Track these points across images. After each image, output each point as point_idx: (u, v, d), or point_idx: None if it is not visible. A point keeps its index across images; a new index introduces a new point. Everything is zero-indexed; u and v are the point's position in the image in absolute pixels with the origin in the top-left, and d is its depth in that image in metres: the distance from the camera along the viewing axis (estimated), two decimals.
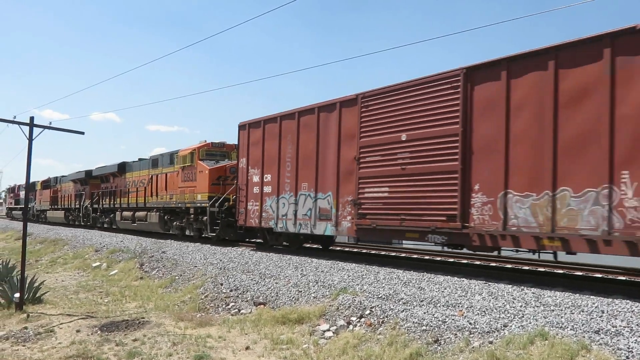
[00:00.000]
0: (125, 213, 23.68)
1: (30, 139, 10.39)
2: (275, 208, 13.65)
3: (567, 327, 5.94)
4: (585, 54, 7.77)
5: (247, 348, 7.15)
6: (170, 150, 20.06)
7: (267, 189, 14.10)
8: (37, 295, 10.48)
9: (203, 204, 16.76)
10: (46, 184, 37.90)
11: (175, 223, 19.19)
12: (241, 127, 15.42)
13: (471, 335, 6.19)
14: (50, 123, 11.04)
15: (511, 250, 9.07)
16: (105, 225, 26.77)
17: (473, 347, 5.94)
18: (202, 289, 10.77)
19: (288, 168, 13.36)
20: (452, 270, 10.04)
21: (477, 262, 11.65)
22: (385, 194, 10.63)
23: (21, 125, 10.49)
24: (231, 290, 10.18)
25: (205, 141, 18.33)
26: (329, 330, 7.49)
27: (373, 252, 15.33)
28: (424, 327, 6.66)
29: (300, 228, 12.81)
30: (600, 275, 10.31)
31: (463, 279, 8.89)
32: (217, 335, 7.72)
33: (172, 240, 18.55)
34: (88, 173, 28.81)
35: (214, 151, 18.11)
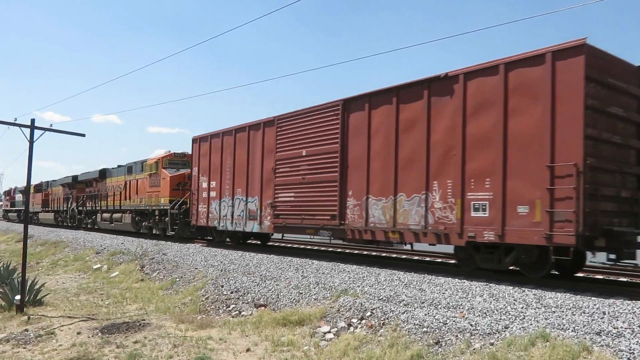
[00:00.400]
0: (105, 215, 26.24)
1: (31, 141, 10.40)
2: (218, 210, 16.33)
3: (569, 329, 5.93)
4: (414, 93, 10.30)
5: (248, 350, 7.14)
6: (142, 159, 22.47)
7: (213, 194, 16.79)
8: (37, 298, 10.48)
9: (165, 207, 19.56)
10: (38, 188, 40.09)
11: (144, 223, 21.91)
12: (194, 140, 18.06)
13: (472, 337, 6.18)
14: (52, 125, 11.04)
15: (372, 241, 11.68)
16: (89, 226, 29.18)
17: (474, 349, 5.93)
18: (202, 290, 10.77)
19: (227, 176, 16.04)
20: (453, 271, 10.03)
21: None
22: (292, 198, 13.26)
23: (22, 128, 10.50)
24: (232, 292, 10.17)
25: (170, 151, 21.04)
26: (329, 332, 7.48)
27: (374, 254, 15.32)
28: (425, 329, 6.65)
29: (236, 226, 15.49)
30: (601, 277, 10.29)
31: (464, 280, 8.88)
32: (218, 337, 7.72)
33: (173, 242, 18.60)
34: (74, 178, 31.34)
35: (176, 160, 20.83)
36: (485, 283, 8.54)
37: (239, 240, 17.34)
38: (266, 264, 12.05)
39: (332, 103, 12.18)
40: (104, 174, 26.98)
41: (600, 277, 10.33)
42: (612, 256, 8.54)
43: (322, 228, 12.21)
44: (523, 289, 7.94)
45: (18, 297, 9.80)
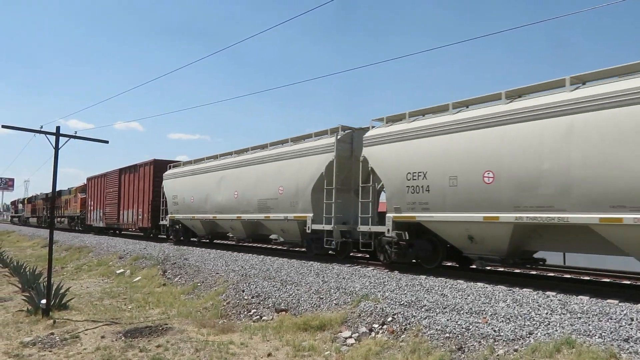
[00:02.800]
0: (60, 219, 42.97)
1: (57, 148, 10.59)
2: (93, 215, 32.79)
3: (595, 335, 5.81)
4: (128, 170, 27.32)
5: (269, 355, 7.15)
6: (73, 187, 40.05)
7: (92, 206, 33.70)
8: (63, 302, 10.64)
9: (77, 215, 37.81)
10: (29, 200, 59.79)
11: (71, 224, 40.12)
12: (88, 179, 34.50)
13: (496, 343, 6.09)
14: (76, 132, 11.25)
15: None
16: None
17: (498, 355, 5.84)
18: (224, 295, 10.82)
19: (98, 198, 32.20)
20: (475, 276, 9.92)
21: (500, 269, 11.48)
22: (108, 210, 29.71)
23: (48, 135, 10.70)
24: (253, 297, 10.20)
25: (84, 183, 36.56)
26: (350, 337, 7.45)
27: None
28: (447, 335, 6.58)
29: (98, 223, 31.95)
30: (628, 282, 10.07)
31: (486, 285, 8.77)
32: (239, 341, 7.74)
33: (194, 247, 18.75)
34: (46, 195, 47.19)
35: (84, 187, 36.35)
36: (508, 288, 8.42)
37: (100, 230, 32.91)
38: (286, 268, 12.06)
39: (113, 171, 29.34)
40: (59, 193, 41.56)
41: (627, 282, 10.10)
42: None
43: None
44: (547, 294, 7.81)
45: (44, 301, 9.97)
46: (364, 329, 7.51)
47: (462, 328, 6.61)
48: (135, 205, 25.35)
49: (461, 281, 9.30)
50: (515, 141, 8.77)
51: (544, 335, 6.01)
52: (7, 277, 16.45)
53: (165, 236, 23.89)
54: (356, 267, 11.83)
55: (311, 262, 12.95)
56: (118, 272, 16.29)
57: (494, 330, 6.34)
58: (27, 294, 10.93)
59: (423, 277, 9.93)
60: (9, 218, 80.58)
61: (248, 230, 17.07)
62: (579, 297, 7.60)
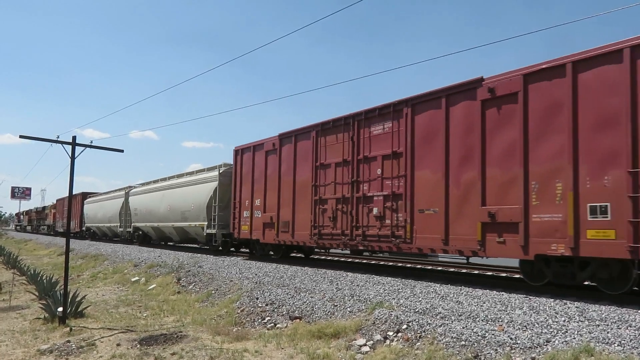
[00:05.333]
0: (43, 226, 57.81)
1: (73, 158, 10.72)
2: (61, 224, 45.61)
3: (614, 343, 5.72)
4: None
5: None
6: (50, 204, 56.95)
7: (58, 218, 48.63)
8: (79, 310, 10.74)
9: (51, 224, 53.32)
10: (27, 212, 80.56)
11: (48, 229, 53.76)
12: (57, 200, 48.15)
13: (512, 351, 6.02)
14: (92, 142, 11.38)
15: None
16: (43, 232, 61.61)
17: None
18: (238, 303, 10.84)
19: (63, 214, 45.44)
20: (490, 283, 9.82)
21: (517, 276, 11.37)
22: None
23: (64, 145, 10.84)
24: (267, 305, 10.20)
25: (62, 198, 46.86)
26: (365, 345, 7.41)
27: (409, 265, 15.15)
28: (462, 342, 6.52)
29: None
30: None
31: (502, 292, 8.68)
32: (254, 349, 7.74)
33: (208, 255, 18.84)
34: (37, 208, 69.20)
35: (55, 205, 50.61)
36: (524, 295, 8.32)
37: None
38: (300, 276, 12.05)
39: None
40: (44, 208, 60.51)
41: None
42: None
43: None
44: (565, 301, 7.71)
45: (60, 309, 10.07)
46: (378, 337, 7.47)
47: (478, 336, 6.54)
48: (77, 218, 42.31)
49: (477, 288, 9.21)
50: (163, 197, 23.97)
51: (562, 343, 5.93)
52: (25, 285, 16.65)
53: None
54: (370, 274, 11.78)
55: (324, 269, 12.93)
56: (133, 279, 16.41)
57: (511, 338, 6.27)
58: (44, 302, 11.04)
59: (438, 284, 9.86)
60: (14, 227, 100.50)
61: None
62: (597, 304, 7.48)
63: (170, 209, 23.62)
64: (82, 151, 10.96)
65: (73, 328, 9.53)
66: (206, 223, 20.01)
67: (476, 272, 12.91)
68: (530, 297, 8.16)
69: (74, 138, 10.87)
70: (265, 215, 16.10)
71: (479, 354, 6.18)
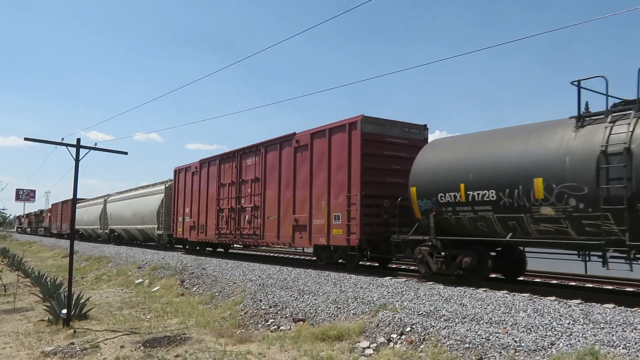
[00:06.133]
0: (40, 228, 64.30)
1: (77, 160, 10.75)
2: (55, 226, 52.91)
3: (619, 346, 5.69)
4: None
5: None
6: (47, 208, 67.19)
7: (52, 220, 55.29)
8: (83, 312, 10.76)
9: (47, 226, 59.08)
10: (27, 215, 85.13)
11: (44, 231, 61.25)
12: (52, 204, 53.58)
13: (517, 354, 6.00)
14: (96, 144, 11.42)
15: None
16: (41, 233, 66.55)
17: None
18: (241, 305, 10.84)
19: (56, 217, 52.18)
20: (495, 286, 9.79)
21: (521, 278, 11.33)
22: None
23: (68, 147, 10.87)
24: (270, 307, 10.20)
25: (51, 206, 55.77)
26: (369, 347, 7.39)
27: (412, 267, 15.11)
28: (466, 345, 6.50)
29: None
30: None
31: (506, 295, 8.65)
32: (257, 351, 7.74)
33: (212, 257, 18.86)
34: (35, 212, 75.24)
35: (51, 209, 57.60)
36: (529, 298, 8.30)
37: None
38: (304, 278, 12.04)
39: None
40: (41, 212, 68.22)
41: None
42: None
43: None
44: (569, 304, 7.68)
45: (64, 311, 10.09)
46: (382, 339, 7.46)
47: (482, 338, 6.52)
48: (67, 221, 46.58)
49: (480, 290, 9.18)
50: (130, 205, 30.04)
51: (567, 345, 5.90)
52: (29, 287, 16.69)
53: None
54: (374, 277, 11.77)
55: (328, 271, 12.93)
56: (137, 282, 16.43)
57: (515, 341, 6.25)
58: (48, 304, 11.08)
59: (441, 286, 9.83)
60: (16, 229, 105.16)
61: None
62: (602, 306, 7.45)
63: (134, 214, 29.24)
64: (86, 153, 11.00)
65: (77, 330, 9.55)
66: (157, 226, 25.83)
67: None
68: (535, 299, 8.14)
69: (79, 140, 10.91)
70: (191, 220, 21.42)
71: (483, 357, 6.16)
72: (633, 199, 7.61)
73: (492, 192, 9.41)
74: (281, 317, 9.60)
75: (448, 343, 6.69)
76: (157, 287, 14.94)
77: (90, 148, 11.15)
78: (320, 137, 13.75)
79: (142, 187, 29.84)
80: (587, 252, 8.85)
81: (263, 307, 10.30)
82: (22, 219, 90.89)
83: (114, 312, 11.67)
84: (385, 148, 12.93)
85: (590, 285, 10.74)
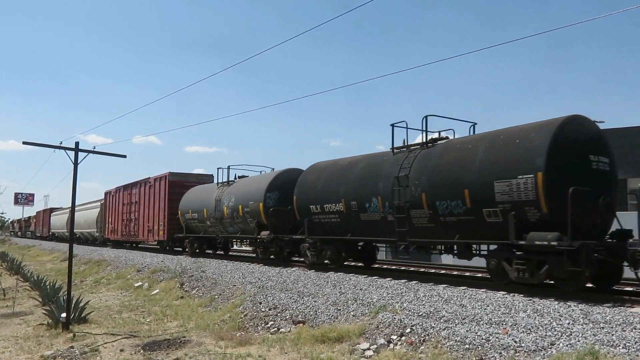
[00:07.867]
0: (27, 232, 75.95)
1: (76, 163, 10.75)
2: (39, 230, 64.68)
3: (619, 346, 5.69)
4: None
5: None
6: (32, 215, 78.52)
7: (35, 225, 70.70)
8: (82, 315, 10.74)
9: (33, 230, 72.40)
10: (18, 221, 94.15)
11: (31, 234, 73.13)
12: (37, 212, 69.35)
13: (517, 354, 6.00)
14: (95, 147, 11.43)
15: None
16: (31, 236, 74.05)
17: None
18: (241, 307, 10.83)
19: (38, 222, 65.91)
20: (494, 286, 9.79)
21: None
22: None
23: (67, 151, 10.87)
24: (270, 309, 10.19)
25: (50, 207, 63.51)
26: (369, 349, 7.39)
27: (412, 269, 15.13)
28: (467, 346, 6.50)
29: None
30: None
31: (506, 295, 8.66)
32: (257, 354, 7.73)
33: (211, 260, 18.84)
34: (22, 219, 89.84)
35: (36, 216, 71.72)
36: (528, 298, 8.30)
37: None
38: (303, 280, 12.04)
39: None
40: (29, 218, 77.24)
41: None
42: None
43: None
44: (569, 304, 7.68)
45: (64, 314, 10.07)
46: (382, 341, 7.45)
47: (482, 339, 6.52)
48: (47, 226, 57.21)
49: (480, 291, 9.19)
50: (90, 213, 39.94)
51: (567, 345, 5.90)
52: (28, 291, 16.67)
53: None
54: (374, 278, 11.77)
55: (328, 273, 12.93)
56: (136, 285, 16.41)
57: (515, 341, 6.25)
58: (48, 308, 11.06)
59: (441, 287, 9.84)
60: (10, 232, 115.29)
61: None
62: (602, 306, 7.46)
63: (92, 221, 38.39)
64: (85, 157, 10.99)
65: (76, 334, 9.54)
66: (96, 229, 37.19)
67: (479, 275, 12.88)
68: (534, 299, 8.14)
69: (77, 144, 10.90)
70: (112, 225, 32.72)
71: (483, 358, 6.16)
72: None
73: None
74: (281, 320, 9.60)
75: (448, 344, 6.69)
76: (157, 290, 14.92)
77: (88, 151, 11.14)
78: (157, 182, 25.03)
79: (95, 201, 40.40)
80: None
81: (263, 310, 10.29)
82: (15, 224, 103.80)
83: (113, 316, 11.65)
84: (185, 188, 22.99)
85: (590, 285, 10.73)
